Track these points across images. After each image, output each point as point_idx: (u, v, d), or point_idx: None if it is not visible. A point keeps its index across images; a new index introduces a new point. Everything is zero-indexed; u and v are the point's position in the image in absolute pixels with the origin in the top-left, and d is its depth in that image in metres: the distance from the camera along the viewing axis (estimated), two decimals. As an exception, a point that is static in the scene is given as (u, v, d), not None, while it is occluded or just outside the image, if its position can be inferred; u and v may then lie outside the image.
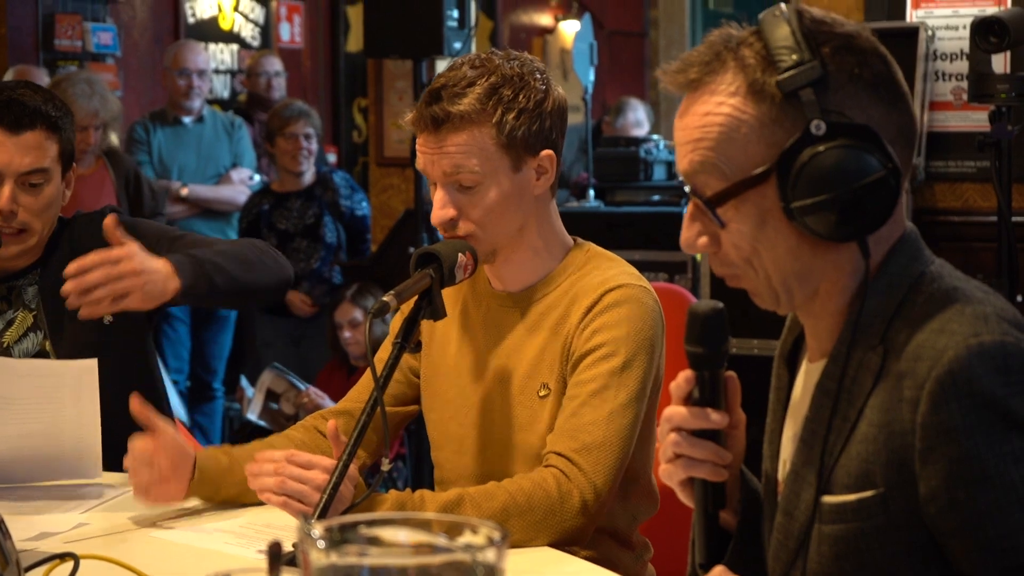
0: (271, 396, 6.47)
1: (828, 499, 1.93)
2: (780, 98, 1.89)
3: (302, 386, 6.37)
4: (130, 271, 2.82)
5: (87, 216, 3.48)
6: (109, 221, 2.83)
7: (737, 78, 1.92)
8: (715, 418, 1.99)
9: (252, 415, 6.48)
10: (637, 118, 9.59)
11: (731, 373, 2.02)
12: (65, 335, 3.32)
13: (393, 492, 2.59)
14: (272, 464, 2.55)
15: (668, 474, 2.05)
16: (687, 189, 1.99)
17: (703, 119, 1.94)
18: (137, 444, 2.76)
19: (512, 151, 2.73)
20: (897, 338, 1.89)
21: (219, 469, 2.84)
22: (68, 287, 2.81)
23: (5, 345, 3.35)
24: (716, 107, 1.93)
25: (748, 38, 1.94)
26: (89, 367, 2.96)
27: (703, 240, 1.99)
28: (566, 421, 2.68)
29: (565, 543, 2.60)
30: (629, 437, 2.67)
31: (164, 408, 3.47)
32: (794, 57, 1.88)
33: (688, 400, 2.00)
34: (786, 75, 1.88)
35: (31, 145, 3.27)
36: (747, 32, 1.96)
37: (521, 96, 2.73)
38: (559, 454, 2.65)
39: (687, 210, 2.00)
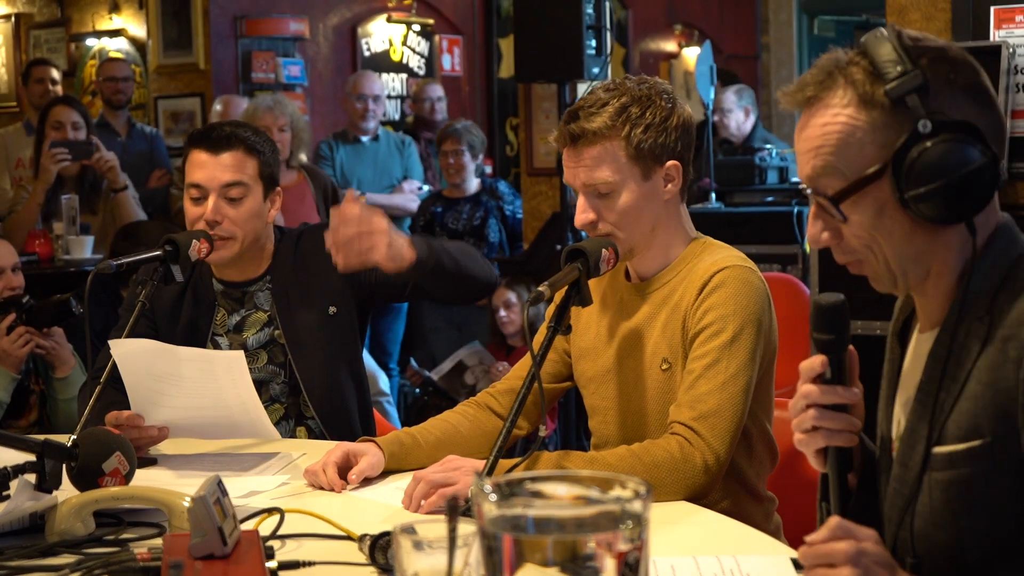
0: (460, 367, 6.55)
1: (939, 449, 1.92)
2: (889, 105, 1.90)
3: (496, 362, 6.47)
4: (379, 229, 2.82)
5: (313, 229, 3.51)
6: (351, 194, 2.80)
7: (848, 92, 1.93)
8: (847, 395, 1.98)
9: (434, 376, 6.57)
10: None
11: (851, 348, 2.00)
12: (294, 326, 3.39)
13: (546, 452, 2.60)
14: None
15: (805, 443, 2.02)
16: (808, 192, 1.99)
17: (822, 129, 1.94)
18: (331, 474, 2.71)
19: (641, 161, 2.75)
20: (1002, 309, 1.88)
21: (404, 451, 2.82)
22: (328, 243, 2.83)
23: (244, 339, 3.42)
24: (833, 118, 1.93)
25: (854, 58, 1.95)
26: (237, 357, 2.96)
27: (826, 235, 1.99)
28: (685, 393, 2.68)
29: (691, 499, 2.58)
30: (742, 402, 2.65)
31: (364, 387, 3.52)
32: (899, 68, 1.89)
33: (819, 379, 1.98)
34: (893, 84, 1.89)
35: (229, 163, 3.34)
36: (853, 53, 1.96)
37: (647, 113, 2.74)
38: (681, 423, 2.63)
39: (811, 211, 2.00)
